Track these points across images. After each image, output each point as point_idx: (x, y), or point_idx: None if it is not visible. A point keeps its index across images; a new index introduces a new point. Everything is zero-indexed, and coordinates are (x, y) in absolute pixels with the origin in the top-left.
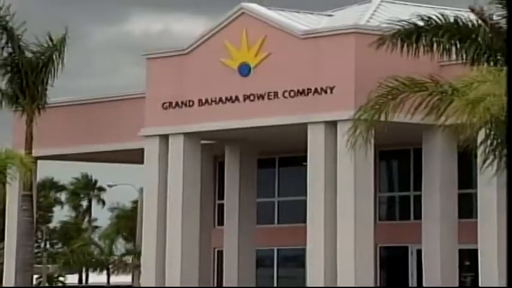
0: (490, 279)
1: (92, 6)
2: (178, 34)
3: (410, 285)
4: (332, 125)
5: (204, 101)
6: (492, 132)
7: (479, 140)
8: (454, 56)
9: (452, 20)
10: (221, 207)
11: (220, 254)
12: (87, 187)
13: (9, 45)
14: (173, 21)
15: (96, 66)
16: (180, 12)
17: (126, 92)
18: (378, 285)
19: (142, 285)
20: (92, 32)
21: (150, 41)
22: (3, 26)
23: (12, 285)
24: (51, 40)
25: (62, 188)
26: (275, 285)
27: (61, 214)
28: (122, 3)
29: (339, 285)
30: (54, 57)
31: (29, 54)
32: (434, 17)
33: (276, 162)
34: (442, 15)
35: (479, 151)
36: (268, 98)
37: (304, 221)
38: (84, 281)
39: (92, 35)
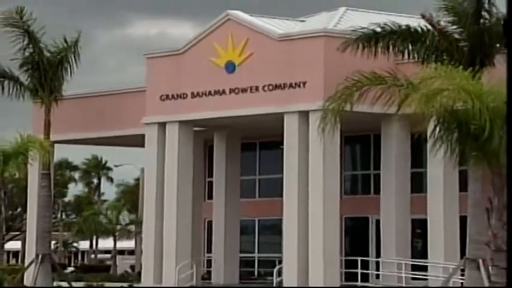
0: (437, 244)
1: (99, 14)
2: (173, 37)
3: (370, 249)
4: (304, 114)
5: (196, 93)
6: (441, 120)
7: (430, 127)
8: (407, 56)
9: (405, 25)
10: (210, 184)
11: (209, 223)
12: (97, 167)
13: (30, 46)
14: (169, 26)
15: (103, 64)
16: (174, 18)
17: (129, 86)
18: (343, 249)
19: (143, 250)
20: (99, 36)
21: (148, 43)
22: (26, 29)
23: (34, 250)
24: (66, 42)
25: (75, 168)
26: (256, 250)
27: (75, 190)
28: (124, 11)
29: (310, 249)
30: (68, 56)
31: (47, 54)
32: (389, 24)
33: (257, 145)
34: (396, 22)
35: (429, 136)
36: (250, 91)
37: (281, 196)
38: (94, 246)
39: (99, 39)
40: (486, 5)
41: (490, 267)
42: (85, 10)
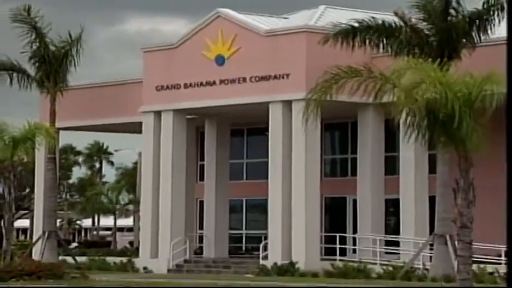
0: (409, 222)
1: (97, 12)
2: (166, 33)
3: (347, 226)
4: (288, 103)
5: (188, 84)
6: (413, 109)
7: (403, 115)
8: (382, 50)
9: (380, 22)
10: (202, 167)
11: (201, 203)
12: (98, 151)
13: (37, 40)
14: (161, 23)
15: (101, 58)
16: (166, 15)
17: (128, 78)
18: (323, 226)
19: (141, 227)
20: (97, 32)
21: (142, 39)
22: (33, 25)
23: (41, 227)
24: (71, 37)
25: (78, 152)
26: (244, 227)
27: (78, 172)
28: (120, 9)
29: (292, 226)
30: (72, 50)
31: (52, 48)
32: (366, 19)
33: (245, 132)
34: (373, 17)
35: (402, 123)
36: (238, 83)
37: (266, 178)
38: (96, 223)
39: (97, 34)
40: (454, 4)
41: (456, 242)
42: (85, 8)
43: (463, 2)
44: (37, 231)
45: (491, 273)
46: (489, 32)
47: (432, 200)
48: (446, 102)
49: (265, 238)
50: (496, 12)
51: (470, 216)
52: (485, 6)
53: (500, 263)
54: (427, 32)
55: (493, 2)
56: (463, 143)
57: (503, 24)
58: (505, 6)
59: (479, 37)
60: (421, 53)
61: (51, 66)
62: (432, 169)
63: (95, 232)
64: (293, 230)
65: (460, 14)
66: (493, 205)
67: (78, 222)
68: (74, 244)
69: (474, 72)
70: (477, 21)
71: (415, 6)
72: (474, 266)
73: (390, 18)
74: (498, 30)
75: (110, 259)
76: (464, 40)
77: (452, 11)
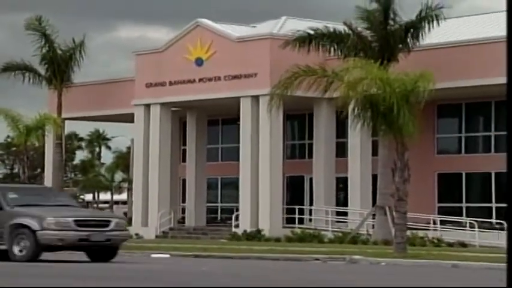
0: (355, 196)
1: (94, 20)
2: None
3: (305, 199)
4: (256, 98)
5: (173, 82)
6: (359, 102)
7: (350, 107)
8: (333, 53)
9: (331, 30)
10: (184, 151)
11: (183, 181)
12: (98, 138)
13: (47, 45)
14: (148, 31)
15: (97, 59)
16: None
17: (122, 77)
18: (285, 200)
19: (133, 200)
20: (94, 37)
21: (132, 44)
22: (43, 33)
23: None
24: (74, 42)
25: (81, 139)
26: (219, 200)
27: (81, 155)
28: (113, 18)
29: (260, 200)
30: (76, 53)
31: (59, 52)
32: (320, 28)
33: (220, 122)
34: (326, 26)
35: (350, 114)
36: (214, 81)
37: (238, 160)
38: (96, 198)
39: (94, 39)
40: (392, 15)
41: (394, 213)
42: (84, 17)
43: (400, 13)
44: None
45: (422, 238)
46: (421, 39)
47: (374, 178)
48: (386, 97)
49: (237, 210)
50: (427, 23)
51: (406, 191)
52: (418, 17)
53: (429, 229)
54: (370, 39)
55: (424, 14)
56: (400, 131)
57: (433, 32)
58: (435, 18)
59: (414, 43)
60: (365, 56)
61: (59, 67)
62: (375, 152)
63: (95, 205)
64: (260, 203)
65: (397, 24)
66: (424, 182)
67: (81, 197)
68: None
69: (409, 72)
70: (412, 29)
71: (360, 17)
72: (408, 232)
73: (340, 27)
74: (429, 38)
75: None
76: (400, 45)
77: (390, 21)
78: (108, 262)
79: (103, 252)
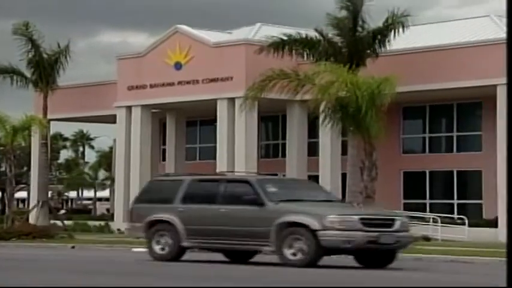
0: None
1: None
2: (133, 44)
3: None
4: (232, 100)
5: (153, 85)
6: (329, 104)
7: (321, 109)
8: (305, 58)
9: (304, 36)
10: (164, 150)
11: None
12: (82, 138)
13: (33, 50)
14: (129, 36)
15: (79, 63)
16: (133, 30)
17: (105, 80)
18: None
19: (115, 197)
20: (78, 42)
21: (113, 49)
22: (30, 38)
23: (36, 197)
24: (59, 47)
25: (66, 139)
26: None
27: (65, 154)
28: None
29: None
30: (61, 57)
31: (45, 56)
32: (293, 34)
33: (198, 123)
34: (298, 32)
35: (321, 115)
36: (193, 84)
37: (215, 159)
38: (80, 195)
39: (76, 44)
40: (360, 22)
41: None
42: (67, 23)
43: (368, 20)
44: (33, 201)
45: None
46: (388, 44)
47: (344, 176)
48: (354, 99)
49: None
50: (393, 29)
51: (373, 189)
52: (385, 24)
53: None
54: (340, 44)
55: (391, 21)
56: (368, 131)
57: (399, 38)
58: (401, 25)
59: (381, 48)
60: (335, 60)
61: (44, 70)
62: (344, 152)
63: (79, 202)
64: None
65: (366, 30)
66: (390, 180)
67: (65, 194)
68: (62, 211)
69: (376, 76)
70: (379, 36)
71: (330, 24)
72: None
73: (312, 33)
74: (395, 44)
75: (91, 223)
76: (368, 51)
77: (359, 28)
78: (384, 269)
79: (381, 256)
